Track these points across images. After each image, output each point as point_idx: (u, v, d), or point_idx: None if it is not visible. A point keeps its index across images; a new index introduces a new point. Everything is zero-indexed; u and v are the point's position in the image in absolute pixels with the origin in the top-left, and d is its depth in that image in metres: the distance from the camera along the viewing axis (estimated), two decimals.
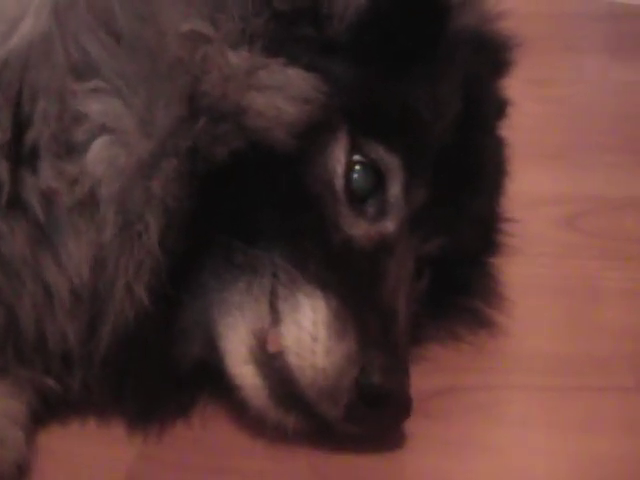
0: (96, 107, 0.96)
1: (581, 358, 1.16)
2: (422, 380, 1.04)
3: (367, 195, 1.02)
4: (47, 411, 1.03)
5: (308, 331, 0.95)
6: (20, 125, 0.96)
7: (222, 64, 0.95)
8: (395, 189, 1.02)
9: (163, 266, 0.94)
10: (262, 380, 0.98)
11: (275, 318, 0.97)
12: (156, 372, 1.01)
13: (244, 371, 0.98)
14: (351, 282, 0.98)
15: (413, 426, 1.00)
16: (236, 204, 0.96)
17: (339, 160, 1.00)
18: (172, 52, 0.95)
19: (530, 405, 1.10)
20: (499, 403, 1.10)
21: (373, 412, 0.95)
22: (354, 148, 1.00)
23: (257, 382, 0.98)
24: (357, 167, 1.01)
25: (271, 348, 0.97)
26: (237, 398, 1.00)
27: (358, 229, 1.01)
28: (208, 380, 1.04)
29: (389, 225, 1.02)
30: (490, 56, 1.13)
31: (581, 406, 1.08)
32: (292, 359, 0.95)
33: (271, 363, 0.97)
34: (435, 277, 1.11)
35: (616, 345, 1.18)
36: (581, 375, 1.13)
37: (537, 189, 1.38)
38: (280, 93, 0.95)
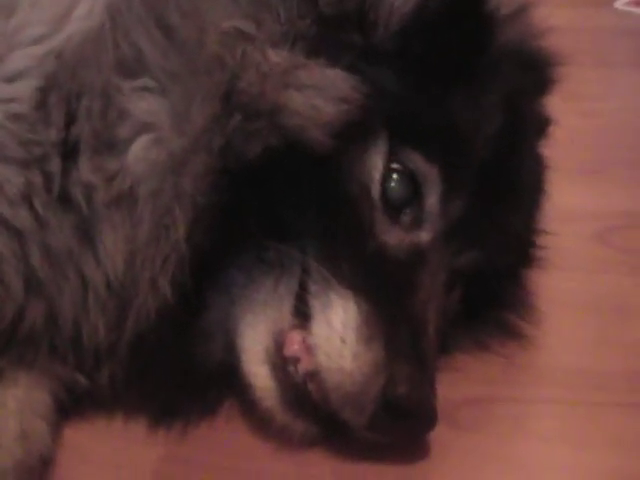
0: (142, 105, 0.97)
1: (610, 374, 1.15)
2: (451, 390, 1.05)
3: (403, 204, 1.01)
4: (73, 405, 1.04)
5: (338, 332, 0.95)
6: (69, 122, 0.98)
7: (261, 62, 0.95)
8: (432, 200, 1.02)
9: (189, 261, 0.94)
10: (274, 382, 0.98)
11: (303, 315, 0.97)
12: (178, 370, 1.02)
13: (257, 371, 0.99)
14: (382, 289, 0.98)
15: (439, 435, 1.00)
16: (268, 202, 0.97)
17: (376, 166, 1.00)
18: (211, 48, 0.96)
19: (557, 420, 1.09)
20: (526, 416, 1.10)
21: (397, 423, 0.95)
22: (392, 155, 1.00)
23: (269, 384, 0.99)
24: (394, 175, 1.00)
25: (288, 352, 0.98)
26: (249, 398, 1.01)
27: (392, 237, 1.00)
28: (232, 380, 1.04)
29: (424, 235, 1.02)
30: (534, 73, 1.13)
31: (608, 423, 1.08)
32: (321, 358, 0.95)
33: (285, 367, 0.98)
34: (467, 288, 1.10)
35: None
36: (609, 391, 1.13)
37: (570, 203, 1.37)
38: (318, 92, 0.95)
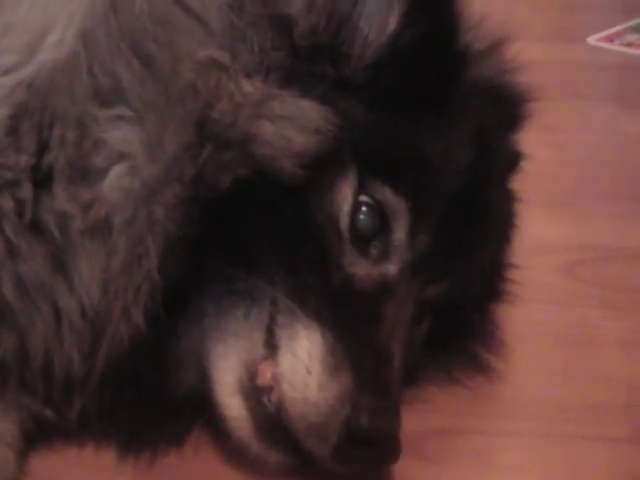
0: (117, 134, 0.96)
1: (576, 406, 1.16)
2: (417, 421, 1.05)
3: (371, 236, 1.01)
4: (40, 434, 1.03)
5: (303, 362, 0.95)
6: (41, 149, 0.97)
7: (234, 92, 0.95)
8: (400, 233, 1.02)
9: (161, 291, 0.95)
10: (247, 412, 0.98)
11: (272, 346, 0.98)
12: (150, 399, 1.01)
13: (230, 402, 0.99)
14: (349, 320, 0.98)
15: (405, 467, 1.00)
16: (239, 232, 0.97)
17: (346, 199, 1.00)
18: (185, 77, 0.96)
19: (525, 452, 1.09)
20: (493, 449, 1.10)
21: (360, 454, 0.95)
22: (361, 188, 1.01)
23: (242, 414, 0.98)
24: (363, 208, 1.01)
25: (260, 382, 0.98)
26: (222, 428, 1.01)
27: (360, 269, 1.01)
28: (202, 409, 1.04)
29: (391, 268, 1.02)
30: (506, 108, 1.14)
31: (574, 455, 1.08)
32: (286, 388, 0.96)
33: (258, 397, 0.98)
34: (436, 319, 1.11)
35: (611, 395, 1.18)
36: (575, 423, 1.13)
37: (540, 236, 1.38)
38: (290, 123, 0.95)
